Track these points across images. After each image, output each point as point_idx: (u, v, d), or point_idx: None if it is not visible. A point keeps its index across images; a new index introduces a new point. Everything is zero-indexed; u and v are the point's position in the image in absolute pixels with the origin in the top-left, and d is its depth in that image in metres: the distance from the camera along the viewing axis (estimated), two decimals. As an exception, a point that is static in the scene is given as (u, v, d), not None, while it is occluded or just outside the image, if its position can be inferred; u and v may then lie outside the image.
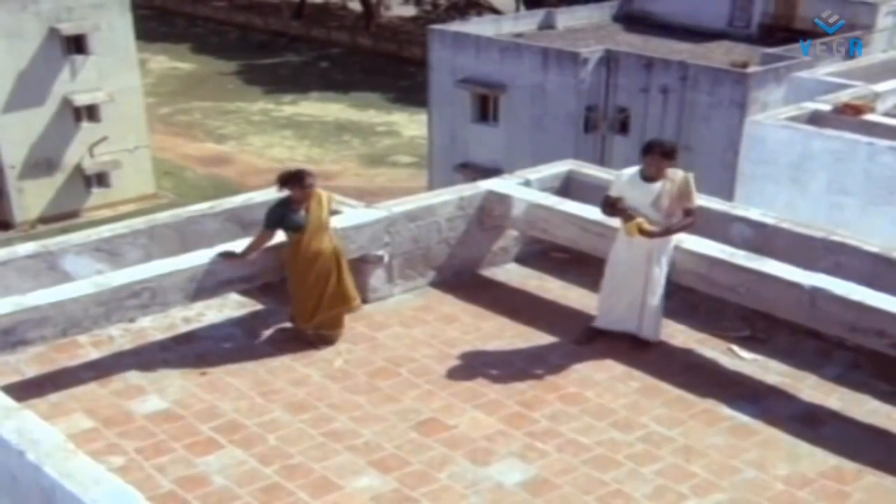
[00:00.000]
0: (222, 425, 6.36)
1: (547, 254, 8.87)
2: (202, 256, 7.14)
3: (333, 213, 7.49)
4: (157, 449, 6.09)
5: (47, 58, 37.70)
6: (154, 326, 7.55)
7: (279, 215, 7.14)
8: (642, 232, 6.98)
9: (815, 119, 12.70)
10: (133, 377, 6.89)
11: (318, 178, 7.49)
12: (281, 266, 7.30)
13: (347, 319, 7.62)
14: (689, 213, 7.13)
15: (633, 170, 7.31)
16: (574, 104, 30.73)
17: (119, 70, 39.32)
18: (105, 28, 38.55)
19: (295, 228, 7.11)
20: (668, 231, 7.09)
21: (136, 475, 5.76)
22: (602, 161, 27.76)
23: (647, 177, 7.13)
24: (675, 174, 7.12)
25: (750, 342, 7.48)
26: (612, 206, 7.18)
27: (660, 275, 7.20)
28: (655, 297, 7.23)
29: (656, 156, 7.10)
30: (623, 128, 30.77)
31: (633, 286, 7.23)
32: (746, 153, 13.25)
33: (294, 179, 7.14)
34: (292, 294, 7.35)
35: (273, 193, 8.69)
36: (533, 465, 6.02)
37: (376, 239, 7.84)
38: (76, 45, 38.42)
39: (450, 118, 33.93)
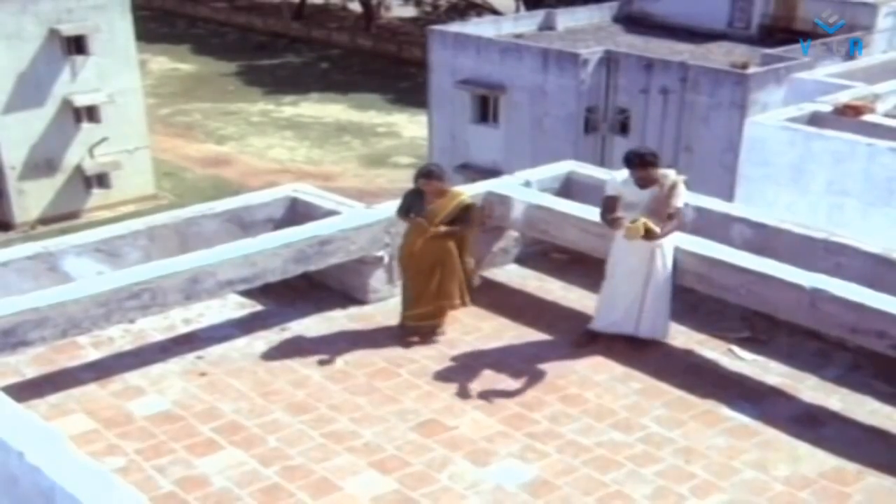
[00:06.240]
0: (222, 426, 6.36)
1: (547, 255, 8.86)
2: (202, 257, 7.14)
3: (479, 220, 7.76)
4: (158, 450, 6.09)
5: (47, 59, 37.68)
6: (154, 327, 7.55)
7: (407, 202, 7.45)
8: (648, 232, 6.90)
9: (815, 120, 12.68)
10: (133, 378, 6.89)
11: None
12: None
13: (348, 321, 7.66)
14: (671, 215, 7.09)
15: (626, 173, 7.25)
16: (574, 105, 30.71)
17: (119, 71, 39.29)
18: (105, 29, 38.49)
19: (409, 214, 7.40)
20: (663, 234, 7.08)
21: (136, 476, 5.77)
22: (602, 162, 27.71)
23: (640, 184, 7.12)
24: (667, 178, 7.09)
25: (750, 343, 7.47)
26: (613, 221, 7.13)
27: (664, 274, 7.19)
28: (659, 297, 7.22)
29: (638, 168, 7.09)
30: (623, 129, 30.76)
31: (633, 288, 7.22)
32: (746, 154, 13.24)
33: (421, 176, 7.40)
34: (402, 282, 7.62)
35: (272, 194, 8.73)
36: (533, 465, 6.01)
37: (376, 240, 7.84)
38: (76, 46, 38.37)
39: (450, 119, 33.91)
